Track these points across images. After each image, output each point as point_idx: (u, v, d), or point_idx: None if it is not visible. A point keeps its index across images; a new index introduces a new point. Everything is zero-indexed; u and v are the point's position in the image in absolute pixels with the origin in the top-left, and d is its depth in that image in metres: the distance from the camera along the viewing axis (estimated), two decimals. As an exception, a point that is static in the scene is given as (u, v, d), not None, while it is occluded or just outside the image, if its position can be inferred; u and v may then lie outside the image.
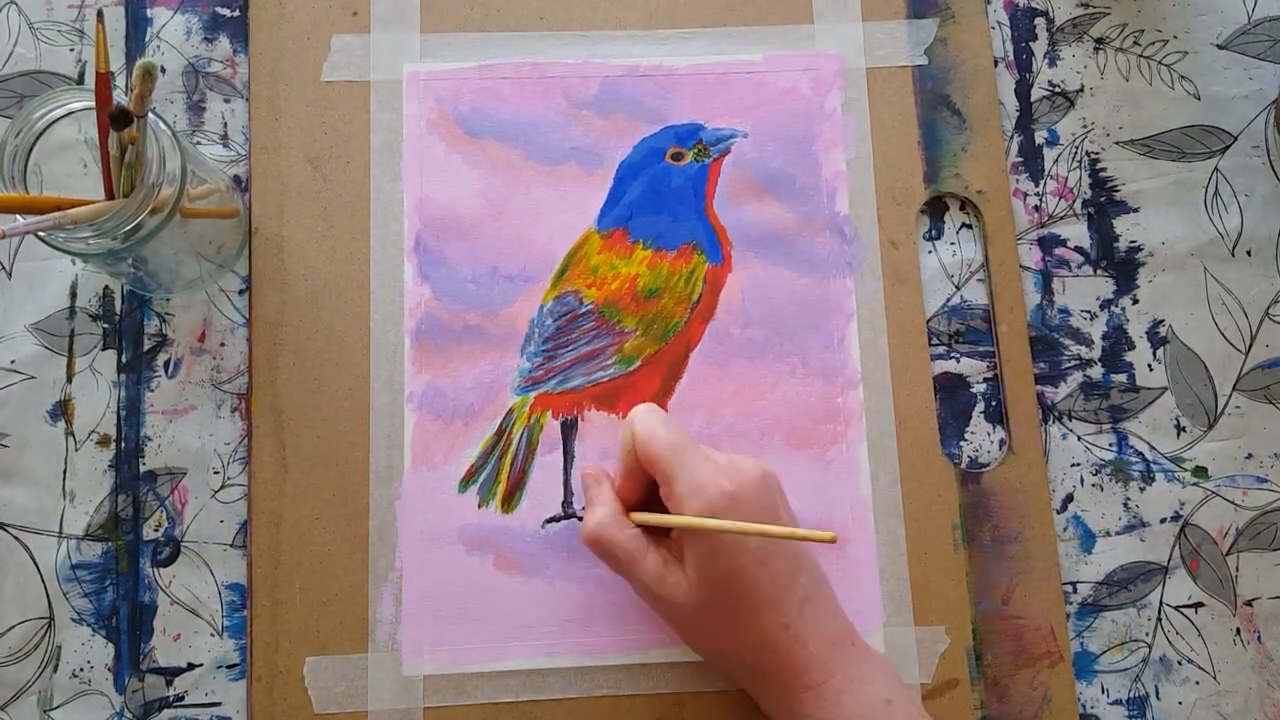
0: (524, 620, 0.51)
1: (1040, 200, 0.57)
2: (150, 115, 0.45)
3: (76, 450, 0.53)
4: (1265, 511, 0.54)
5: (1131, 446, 0.54)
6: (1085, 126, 0.58)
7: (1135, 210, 0.57)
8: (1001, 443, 0.54)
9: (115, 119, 0.43)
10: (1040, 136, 0.58)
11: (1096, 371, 0.55)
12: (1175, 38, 0.59)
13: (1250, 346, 0.55)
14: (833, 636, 0.45)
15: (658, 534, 0.46)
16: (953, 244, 0.56)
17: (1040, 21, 0.59)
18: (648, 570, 0.45)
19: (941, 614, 0.52)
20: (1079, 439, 0.54)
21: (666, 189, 0.56)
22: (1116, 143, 0.58)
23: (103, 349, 0.54)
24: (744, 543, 0.43)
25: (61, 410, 0.53)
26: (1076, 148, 0.58)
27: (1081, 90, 0.58)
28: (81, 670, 0.51)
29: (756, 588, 0.44)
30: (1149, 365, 0.55)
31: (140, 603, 0.51)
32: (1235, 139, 0.58)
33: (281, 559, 0.51)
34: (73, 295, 0.54)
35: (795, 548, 0.45)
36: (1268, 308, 0.56)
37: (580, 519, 0.52)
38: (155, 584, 0.52)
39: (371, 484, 0.52)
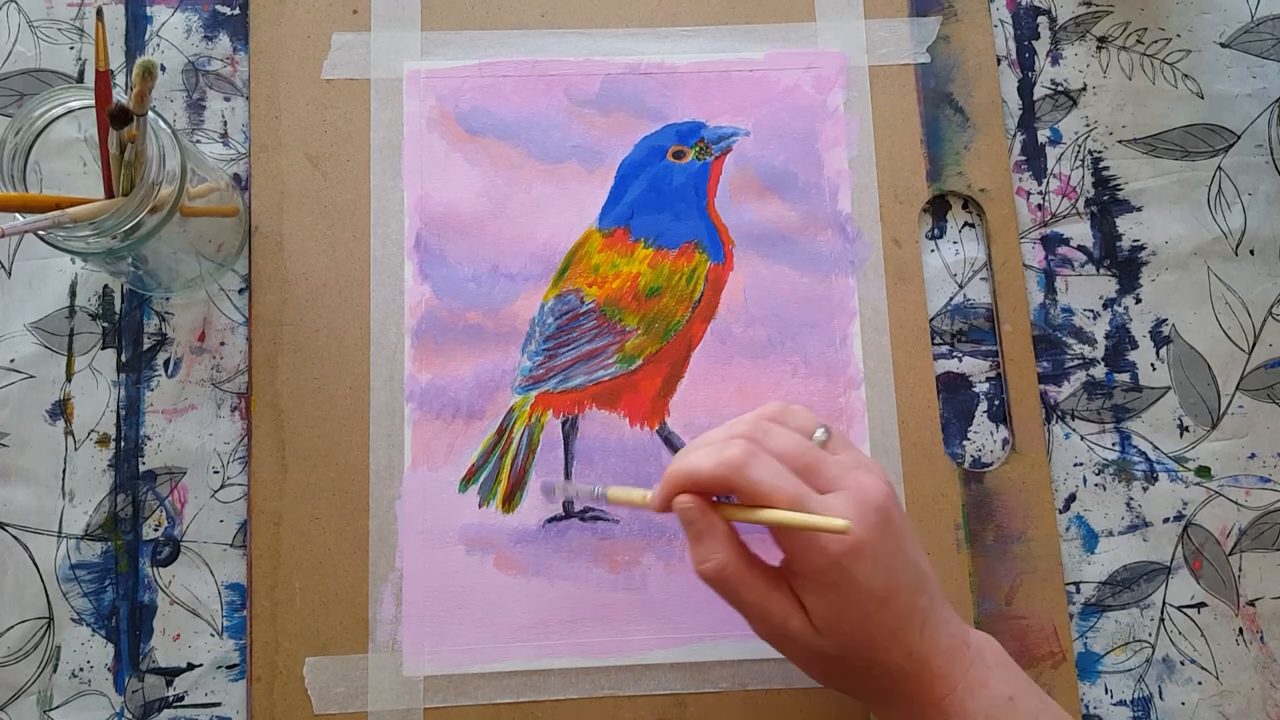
0: (524, 620, 0.51)
1: (1043, 199, 0.57)
2: (150, 113, 0.45)
3: (76, 450, 0.53)
4: (1268, 511, 0.54)
5: (1134, 446, 0.54)
6: (1088, 125, 0.58)
7: (1138, 209, 0.57)
8: (1004, 442, 0.54)
9: (115, 117, 0.43)
10: (1043, 135, 0.58)
11: (1099, 371, 0.55)
12: (1178, 36, 0.59)
13: (1254, 346, 0.55)
14: (951, 647, 0.43)
15: (768, 567, 0.43)
16: (955, 243, 0.56)
17: (1043, 20, 0.59)
18: (777, 609, 0.42)
19: (944, 614, 0.51)
20: (1082, 438, 0.54)
21: (668, 187, 0.56)
22: (1119, 141, 0.57)
23: (102, 348, 0.54)
24: (869, 586, 0.40)
25: (61, 409, 0.53)
26: (1079, 146, 0.57)
27: (1084, 89, 0.58)
28: (81, 670, 0.51)
29: (882, 627, 0.41)
30: (1152, 365, 0.55)
31: (140, 603, 0.51)
32: (1238, 137, 0.58)
33: (281, 559, 0.51)
34: (72, 294, 0.54)
35: (916, 575, 0.42)
36: (1271, 307, 0.56)
37: (581, 518, 0.52)
38: (155, 584, 0.52)
39: (372, 483, 0.52)
